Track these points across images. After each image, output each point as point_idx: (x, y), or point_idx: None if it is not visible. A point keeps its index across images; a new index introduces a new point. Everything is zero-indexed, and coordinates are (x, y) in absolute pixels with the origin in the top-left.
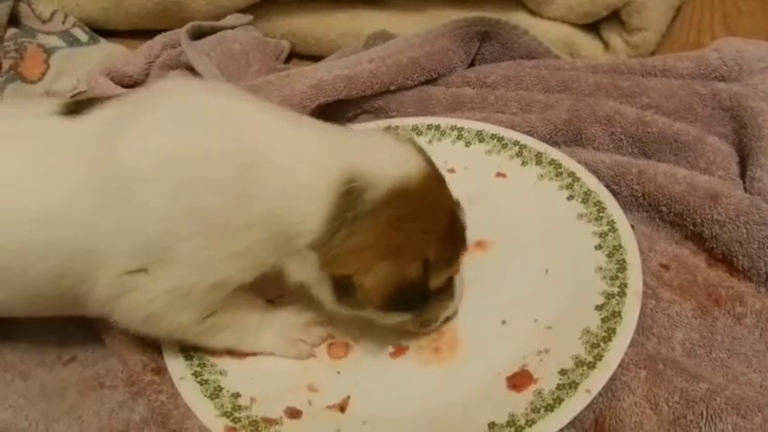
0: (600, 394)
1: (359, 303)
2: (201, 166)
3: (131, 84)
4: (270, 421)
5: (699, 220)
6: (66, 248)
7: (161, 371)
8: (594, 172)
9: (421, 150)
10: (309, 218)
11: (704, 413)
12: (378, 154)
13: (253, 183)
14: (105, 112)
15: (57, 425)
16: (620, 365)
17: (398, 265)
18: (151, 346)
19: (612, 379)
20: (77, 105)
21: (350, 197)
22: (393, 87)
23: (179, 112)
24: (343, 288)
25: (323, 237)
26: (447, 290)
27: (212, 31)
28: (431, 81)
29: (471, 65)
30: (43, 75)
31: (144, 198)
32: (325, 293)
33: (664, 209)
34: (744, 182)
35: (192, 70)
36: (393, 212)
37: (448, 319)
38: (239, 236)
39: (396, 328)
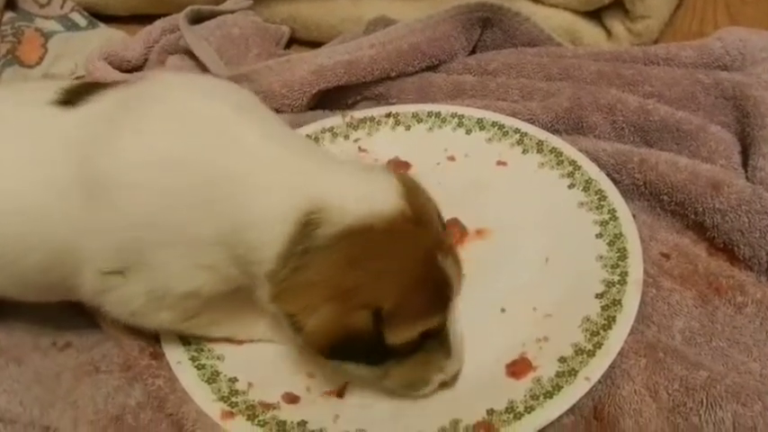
0: (599, 382)
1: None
2: (174, 175)
3: (130, 69)
4: (267, 406)
5: (700, 209)
6: (52, 243)
7: (158, 355)
8: (596, 160)
9: (411, 190)
10: (267, 244)
11: (704, 401)
12: (346, 187)
13: (220, 198)
14: (97, 106)
15: (52, 410)
16: (620, 353)
17: (344, 310)
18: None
19: (612, 367)
20: (73, 95)
21: (306, 229)
22: (393, 74)
23: (161, 118)
24: (293, 327)
25: (276, 268)
26: (438, 346)
27: (212, 15)
28: (432, 68)
29: (473, 52)
30: (41, 59)
31: (118, 203)
32: (286, 328)
33: (665, 198)
34: (746, 171)
35: (191, 55)
36: (347, 251)
37: (446, 383)
38: (206, 249)
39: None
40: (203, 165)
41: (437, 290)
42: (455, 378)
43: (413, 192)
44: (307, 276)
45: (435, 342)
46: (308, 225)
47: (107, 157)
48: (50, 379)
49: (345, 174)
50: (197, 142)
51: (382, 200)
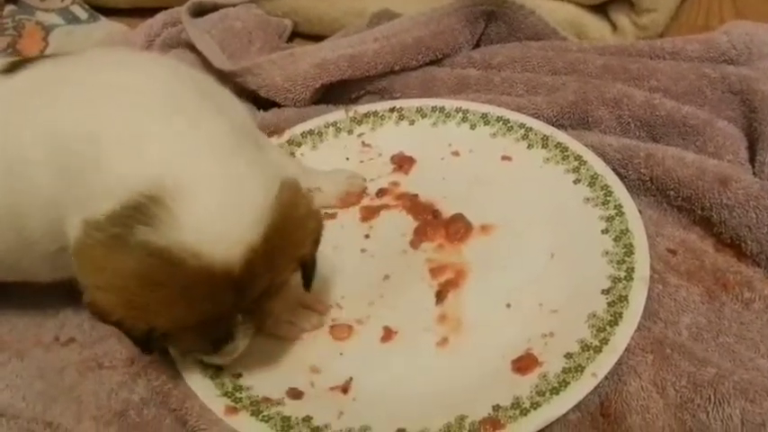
0: (606, 378)
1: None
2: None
3: None
4: (271, 401)
5: (707, 205)
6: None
7: (161, 351)
8: (601, 155)
9: (278, 241)
10: (106, 194)
11: (712, 397)
12: (205, 203)
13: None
14: (28, 74)
15: (55, 405)
16: (627, 349)
17: (122, 311)
18: None
19: (619, 363)
20: (14, 65)
21: (133, 212)
22: (397, 68)
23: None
24: (81, 282)
25: (100, 223)
26: (223, 339)
27: (214, 8)
28: (435, 62)
29: (477, 46)
30: (42, 52)
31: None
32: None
33: (672, 193)
34: (753, 167)
35: (192, 48)
36: (148, 270)
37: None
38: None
39: None
40: (69, 134)
41: (214, 342)
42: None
43: (276, 244)
44: (107, 259)
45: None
46: (137, 209)
47: (24, 132)
48: (53, 374)
49: (216, 186)
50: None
51: (220, 244)
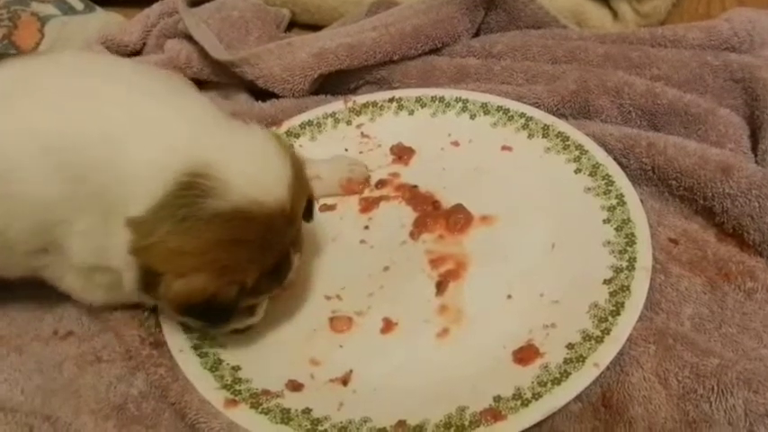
0: (608, 369)
1: (158, 296)
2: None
3: (128, 53)
4: (271, 394)
5: (710, 194)
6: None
7: (159, 344)
8: (603, 145)
9: (297, 178)
10: (137, 197)
11: (715, 388)
12: (242, 163)
13: (96, 164)
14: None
15: (53, 399)
16: (629, 340)
17: (214, 282)
18: (148, 320)
19: (621, 353)
20: None
21: (188, 192)
22: (396, 57)
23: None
24: (149, 280)
25: (145, 218)
26: (248, 310)
27: None
28: (435, 51)
29: (476, 34)
30: (38, 44)
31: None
32: (128, 277)
33: (673, 182)
34: (755, 155)
35: (189, 39)
36: (229, 231)
37: (238, 330)
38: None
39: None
40: (75, 136)
41: (280, 278)
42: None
43: (296, 179)
44: (184, 242)
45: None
46: (191, 187)
47: None
48: (52, 368)
49: (241, 147)
50: (68, 116)
51: (271, 189)
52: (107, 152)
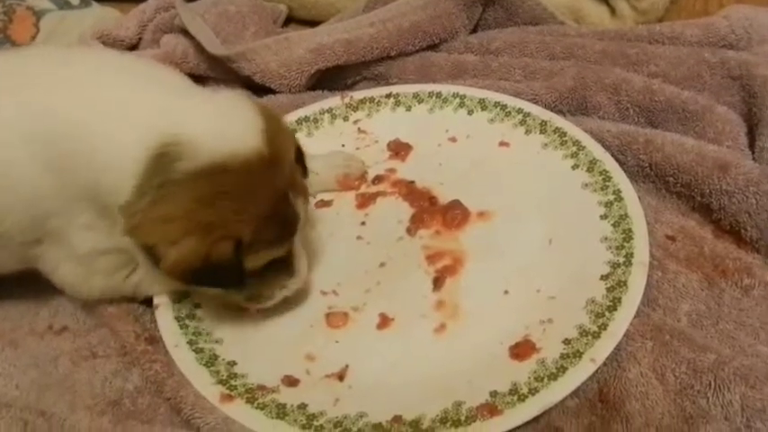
0: (605, 364)
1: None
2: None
3: (124, 48)
4: (266, 389)
5: (707, 191)
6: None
7: (154, 340)
8: (600, 141)
9: (271, 126)
10: (123, 182)
11: (712, 383)
12: (208, 122)
13: (73, 152)
14: None
15: (48, 394)
16: (626, 336)
17: (205, 242)
18: (143, 316)
19: (618, 349)
20: None
21: (162, 160)
22: (394, 53)
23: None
24: (152, 258)
25: (131, 199)
26: (284, 268)
27: None
28: (432, 47)
29: (474, 31)
30: (33, 38)
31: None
32: (142, 259)
33: (671, 179)
34: (752, 152)
35: (186, 33)
36: (206, 187)
37: (289, 298)
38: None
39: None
40: (48, 127)
41: (286, 223)
42: (302, 289)
43: (272, 128)
44: (165, 210)
45: (282, 264)
46: (163, 156)
47: None
48: (47, 363)
49: (205, 108)
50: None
51: (241, 138)
52: (81, 142)
